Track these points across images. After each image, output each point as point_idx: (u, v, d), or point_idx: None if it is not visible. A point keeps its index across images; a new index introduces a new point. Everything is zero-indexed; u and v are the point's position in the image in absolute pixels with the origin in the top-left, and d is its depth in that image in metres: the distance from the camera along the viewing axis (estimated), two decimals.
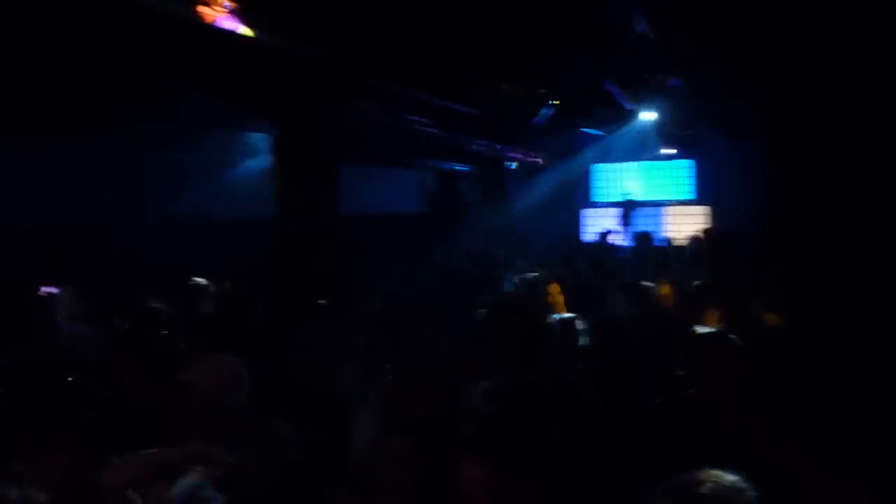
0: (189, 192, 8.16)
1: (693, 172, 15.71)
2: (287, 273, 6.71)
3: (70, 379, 2.13)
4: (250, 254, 7.44)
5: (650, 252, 11.10)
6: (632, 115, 12.19)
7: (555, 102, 9.97)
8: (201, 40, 5.46)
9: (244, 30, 5.44)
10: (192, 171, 8.38)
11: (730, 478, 1.61)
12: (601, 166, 16.58)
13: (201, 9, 5.00)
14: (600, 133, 14.74)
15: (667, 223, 15.78)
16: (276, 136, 7.40)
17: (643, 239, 11.77)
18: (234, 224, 8.16)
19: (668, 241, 12.42)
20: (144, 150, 7.83)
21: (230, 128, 8.43)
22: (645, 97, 10.70)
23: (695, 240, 11.21)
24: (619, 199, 15.61)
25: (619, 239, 13.99)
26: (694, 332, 3.70)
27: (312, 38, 6.27)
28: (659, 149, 14.45)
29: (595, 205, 16.63)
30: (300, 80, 6.91)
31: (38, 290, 4.48)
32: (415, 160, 11.21)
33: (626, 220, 15.16)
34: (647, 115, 12.23)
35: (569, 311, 4.99)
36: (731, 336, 2.89)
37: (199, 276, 5.62)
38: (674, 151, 14.43)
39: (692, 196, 15.79)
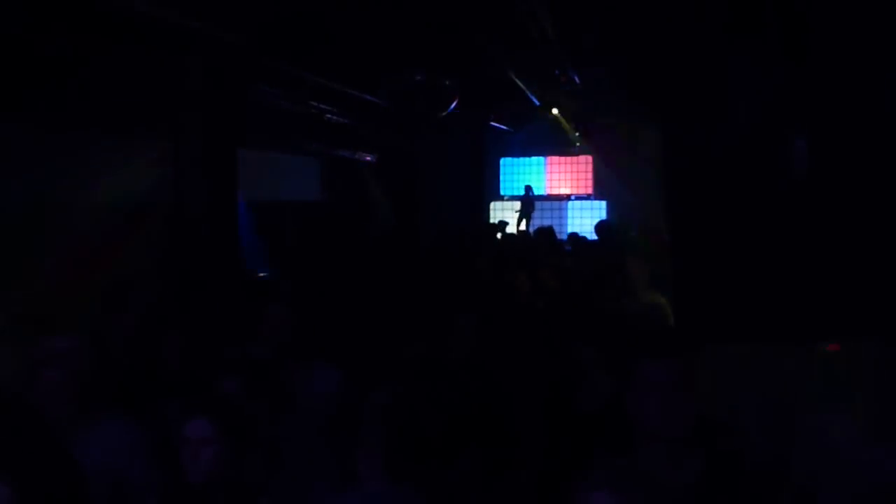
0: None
1: (591, 168, 16.39)
2: (180, 260, 6.49)
3: None
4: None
5: None
6: (537, 110, 12.47)
7: None
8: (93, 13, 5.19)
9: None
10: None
11: None
12: (508, 160, 16.97)
13: None
14: (507, 128, 15.05)
15: (568, 217, 16.38)
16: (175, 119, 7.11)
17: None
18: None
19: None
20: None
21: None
22: (548, 93, 10.97)
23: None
24: (519, 192, 15.98)
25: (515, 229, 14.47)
26: None
27: (212, 18, 6.07)
28: (562, 144, 14.97)
29: (503, 198, 16.99)
30: (201, 61, 6.68)
31: None
32: (318, 148, 11.04)
33: (524, 213, 15.52)
34: (551, 111, 12.55)
35: None
36: None
37: None
38: (575, 147, 14.98)
39: (590, 191, 16.46)
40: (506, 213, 15.91)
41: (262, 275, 7.52)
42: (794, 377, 2.57)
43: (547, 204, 16.58)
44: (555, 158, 16.63)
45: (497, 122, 14.35)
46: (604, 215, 15.70)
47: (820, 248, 3.23)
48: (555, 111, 12.51)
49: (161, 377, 3.33)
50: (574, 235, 11.56)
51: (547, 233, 11.05)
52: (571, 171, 16.67)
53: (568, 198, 16.73)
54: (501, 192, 17.10)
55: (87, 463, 2.42)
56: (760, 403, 2.45)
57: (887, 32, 2.92)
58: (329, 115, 9.64)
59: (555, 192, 16.82)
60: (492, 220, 15.70)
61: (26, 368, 2.54)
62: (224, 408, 2.39)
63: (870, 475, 2.00)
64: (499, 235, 12.78)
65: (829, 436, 2.21)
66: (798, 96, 3.35)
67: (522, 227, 15.23)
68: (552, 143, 15.68)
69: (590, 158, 16.26)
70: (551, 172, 16.88)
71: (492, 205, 16.98)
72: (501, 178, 17.18)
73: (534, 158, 16.82)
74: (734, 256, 4.17)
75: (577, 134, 14.77)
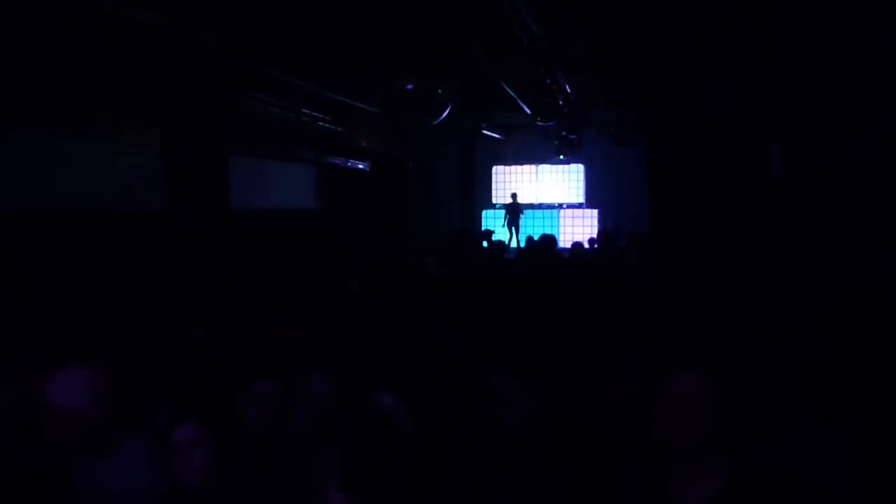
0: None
1: (583, 176, 16.46)
2: (174, 269, 6.49)
3: None
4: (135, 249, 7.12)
5: None
6: (528, 118, 12.52)
7: None
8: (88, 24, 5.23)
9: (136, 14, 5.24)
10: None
11: None
12: (501, 168, 17.04)
13: None
14: (499, 136, 15.12)
15: (560, 225, 16.45)
16: (166, 127, 7.13)
17: None
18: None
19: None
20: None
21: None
22: (539, 102, 11.03)
23: None
24: (507, 200, 16.04)
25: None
26: None
27: (205, 27, 6.10)
28: (554, 152, 15.03)
29: (494, 206, 17.04)
30: (191, 70, 6.71)
31: None
32: (310, 156, 11.06)
33: (512, 220, 15.55)
34: (542, 120, 12.58)
35: None
36: None
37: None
38: (563, 156, 15.05)
39: (582, 199, 16.53)
40: (497, 222, 15.96)
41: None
42: None
43: (539, 212, 16.65)
44: (547, 167, 16.71)
45: (488, 131, 14.42)
46: (596, 223, 15.81)
47: (799, 251, 3.28)
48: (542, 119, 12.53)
49: (165, 382, 3.30)
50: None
51: (548, 241, 11.10)
52: (563, 180, 16.74)
53: (560, 206, 16.79)
54: (493, 201, 17.16)
55: (111, 488, 2.40)
56: None
57: (859, 39, 2.99)
58: (321, 123, 9.67)
59: (546, 200, 16.88)
60: (483, 229, 15.75)
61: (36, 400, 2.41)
62: (213, 411, 2.38)
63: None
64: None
65: None
66: (772, 105, 3.41)
67: (513, 239, 15.26)
68: (544, 152, 15.76)
69: (581, 167, 16.34)
70: (543, 181, 16.95)
71: (483, 213, 17.05)
72: (493, 186, 17.25)
73: (526, 167, 16.90)
74: (716, 259, 4.24)
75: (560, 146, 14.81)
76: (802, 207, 3.20)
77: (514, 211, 15.61)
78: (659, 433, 1.96)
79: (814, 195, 3.15)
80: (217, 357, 3.34)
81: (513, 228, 15.45)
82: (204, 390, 3.12)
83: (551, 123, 12.93)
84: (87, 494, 2.41)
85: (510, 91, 9.97)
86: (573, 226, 16.17)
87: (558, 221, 16.60)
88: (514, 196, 15.86)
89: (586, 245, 11.63)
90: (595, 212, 16.14)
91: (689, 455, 1.94)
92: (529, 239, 11.06)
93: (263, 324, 3.84)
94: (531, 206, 16.49)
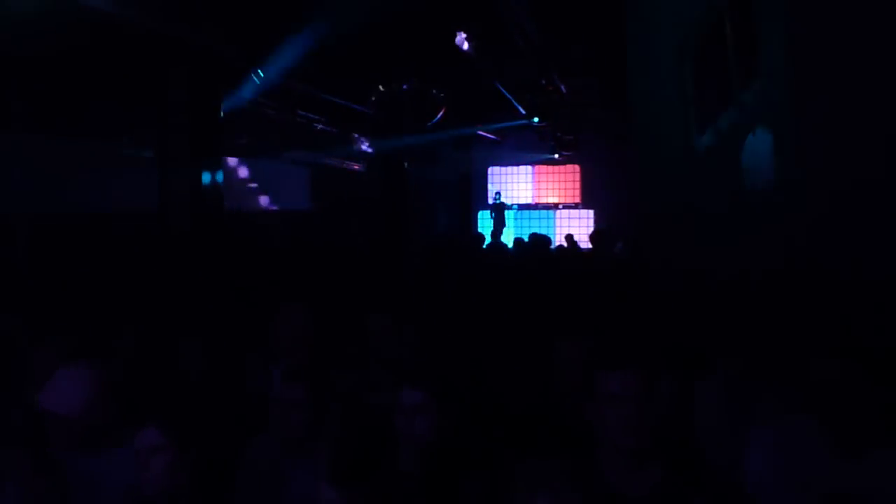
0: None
1: (579, 177, 16.47)
2: (166, 270, 6.51)
3: None
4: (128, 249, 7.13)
5: None
6: (524, 119, 12.56)
7: None
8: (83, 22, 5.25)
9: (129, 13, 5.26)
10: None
11: None
12: (497, 169, 17.05)
13: None
14: (495, 137, 15.15)
15: (557, 225, 16.46)
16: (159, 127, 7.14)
17: None
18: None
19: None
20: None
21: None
22: (534, 102, 11.08)
23: None
24: (497, 200, 16.03)
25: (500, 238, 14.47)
26: None
27: (200, 27, 6.12)
28: (549, 153, 15.06)
29: (489, 206, 17.05)
30: (186, 70, 6.73)
31: None
32: (306, 156, 11.09)
33: (500, 220, 15.51)
34: (537, 120, 12.62)
35: None
36: None
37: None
38: (558, 156, 15.06)
39: (578, 199, 16.54)
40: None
41: None
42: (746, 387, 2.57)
43: (535, 213, 16.66)
44: (542, 167, 16.71)
45: (484, 132, 14.45)
46: (591, 224, 15.82)
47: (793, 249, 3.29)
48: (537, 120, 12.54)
49: (180, 385, 3.27)
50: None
51: (543, 241, 11.08)
52: (559, 180, 16.75)
53: (556, 206, 16.79)
54: (489, 202, 17.16)
55: (102, 484, 2.40)
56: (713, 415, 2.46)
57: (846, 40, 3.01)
58: (317, 125, 9.69)
59: (542, 200, 16.90)
60: (480, 230, 15.76)
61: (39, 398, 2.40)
62: (178, 416, 2.27)
63: (829, 485, 1.99)
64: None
65: (785, 446, 2.15)
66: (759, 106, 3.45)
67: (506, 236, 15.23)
68: (540, 152, 15.78)
69: (577, 167, 16.35)
70: (539, 181, 16.95)
71: (479, 213, 17.04)
72: (489, 187, 17.24)
73: (521, 167, 16.90)
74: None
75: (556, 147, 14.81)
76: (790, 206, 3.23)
77: (499, 210, 15.59)
78: (595, 431, 1.97)
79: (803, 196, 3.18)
80: (197, 358, 3.32)
81: (499, 228, 15.39)
82: (184, 394, 3.09)
83: (546, 123, 12.99)
84: (78, 490, 2.41)
85: (505, 92, 10.01)
86: (569, 226, 16.14)
87: (554, 222, 16.60)
88: (497, 195, 15.83)
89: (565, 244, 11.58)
90: (591, 212, 16.15)
91: (624, 452, 1.95)
92: (520, 240, 11.07)
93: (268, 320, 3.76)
94: (528, 207, 16.50)
